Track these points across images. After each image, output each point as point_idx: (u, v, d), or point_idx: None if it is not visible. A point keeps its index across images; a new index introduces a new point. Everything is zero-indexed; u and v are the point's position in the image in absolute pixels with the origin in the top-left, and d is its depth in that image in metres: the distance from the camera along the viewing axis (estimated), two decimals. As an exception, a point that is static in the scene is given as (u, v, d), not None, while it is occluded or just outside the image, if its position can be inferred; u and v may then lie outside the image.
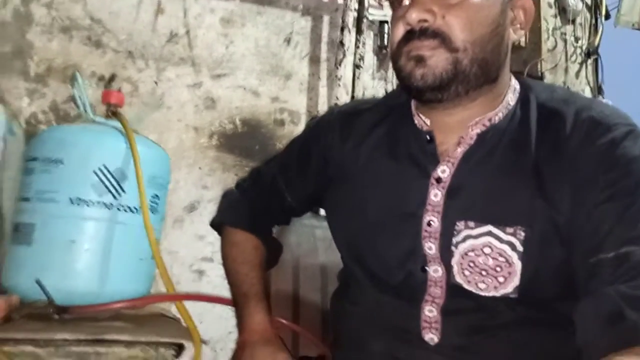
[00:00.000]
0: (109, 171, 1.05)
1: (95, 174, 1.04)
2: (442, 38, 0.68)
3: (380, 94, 1.79)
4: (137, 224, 1.08)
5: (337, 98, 1.62)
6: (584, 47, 2.01)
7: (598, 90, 2.00)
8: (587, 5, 2.02)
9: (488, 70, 0.71)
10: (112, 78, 1.40)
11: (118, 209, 1.06)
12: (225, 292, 1.44)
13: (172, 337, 0.96)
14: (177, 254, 1.51)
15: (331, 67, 1.73)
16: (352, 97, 1.64)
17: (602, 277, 0.61)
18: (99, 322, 0.98)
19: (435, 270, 0.74)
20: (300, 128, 1.69)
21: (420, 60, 0.69)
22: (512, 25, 0.73)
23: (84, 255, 1.02)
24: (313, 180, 0.90)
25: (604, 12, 2.02)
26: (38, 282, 0.96)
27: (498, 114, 0.74)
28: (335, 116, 0.90)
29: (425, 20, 0.68)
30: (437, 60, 0.68)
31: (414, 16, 0.68)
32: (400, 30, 0.71)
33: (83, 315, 0.97)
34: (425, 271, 0.74)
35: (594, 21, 2.02)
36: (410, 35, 0.69)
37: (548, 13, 1.94)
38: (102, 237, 1.04)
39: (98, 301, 0.99)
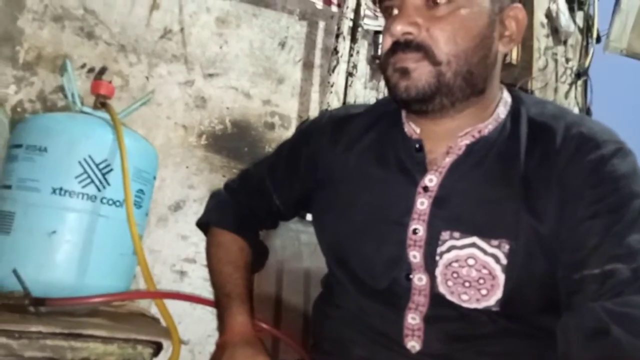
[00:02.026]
0: (94, 162, 1.03)
1: (80, 164, 1.02)
2: (425, 51, 0.68)
3: (372, 102, 1.79)
4: (120, 218, 1.06)
5: (329, 104, 1.62)
6: (574, 68, 2.04)
7: (586, 111, 2.03)
8: (579, 27, 2.06)
9: (474, 83, 0.71)
10: (103, 71, 1.38)
11: (101, 201, 1.04)
12: (206, 294, 1.42)
13: (150, 336, 0.94)
14: (159, 253, 1.49)
15: (324, 73, 1.73)
16: (344, 104, 1.65)
17: (587, 293, 0.61)
18: (76, 316, 0.96)
19: (419, 279, 0.73)
20: (290, 132, 1.69)
21: (404, 72, 0.69)
22: (502, 37, 0.73)
23: (63, 247, 1.00)
24: (301, 183, 0.89)
25: (595, 35, 2.05)
26: (15, 273, 0.94)
27: (488, 126, 0.74)
28: (326, 120, 0.90)
29: (410, 33, 0.69)
30: (421, 73, 0.68)
31: (398, 29, 0.69)
32: (387, 42, 0.71)
33: (60, 309, 0.95)
34: (409, 279, 0.74)
35: (585, 43, 2.05)
36: (396, 46, 0.70)
37: (540, 33, 1.97)
38: (84, 230, 1.02)
39: (76, 295, 0.97)
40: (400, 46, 0.69)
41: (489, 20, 0.70)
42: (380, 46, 1.74)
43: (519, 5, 0.74)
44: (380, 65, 0.75)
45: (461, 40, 0.68)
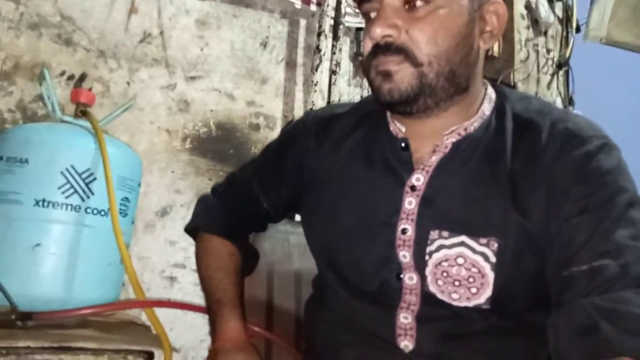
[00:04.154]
0: (77, 172, 1.02)
1: (63, 174, 1.01)
2: (406, 53, 0.68)
3: (356, 100, 1.79)
4: (105, 228, 1.05)
5: (313, 103, 1.61)
6: (555, 59, 2.05)
7: (569, 101, 2.05)
8: (558, 18, 2.07)
9: (457, 82, 0.71)
10: (83, 77, 1.36)
11: (86, 211, 1.02)
12: (197, 299, 1.42)
13: (141, 345, 0.93)
14: (148, 260, 1.47)
15: (307, 72, 1.72)
16: (328, 102, 1.64)
17: (576, 290, 0.61)
18: (64, 329, 0.95)
19: (410, 278, 0.73)
20: (275, 133, 1.68)
21: (386, 75, 0.69)
22: (482, 33, 0.72)
23: (49, 260, 0.99)
24: (288, 184, 0.89)
25: (574, 26, 2.07)
26: (0, 287, 0.92)
27: (473, 124, 0.74)
28: (311, 120, 0.89)
29: (390, 36, 0.68)
30: (403, 75, 0.68)
31: (378, 32, 0.68)
32: (368, 45, 0.71)
33: (48, 322, 0.94)
34: (400, 279, 0.74)
35: (565, 33, 2.07)
36: (377, 49, 0.69)
37: (521, 25, 1.98)
38: (69, 241, 1.00)
39: (64, 307, 0.95)
40: (381, 49, 0.69)
41: (468, 18, 0.70)
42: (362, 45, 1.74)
43: (499, 0, 0.74)
44: (362, 67, 0.75)
45: (441, 41, 0.68)
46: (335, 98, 1.65)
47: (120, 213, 1.07)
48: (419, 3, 0.68)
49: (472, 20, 0.70)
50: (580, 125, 0.70)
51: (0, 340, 0.84)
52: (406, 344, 0.74)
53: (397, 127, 0.77)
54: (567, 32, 2.06)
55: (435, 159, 0.74)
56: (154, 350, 0.94)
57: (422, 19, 0.68)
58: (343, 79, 1.75)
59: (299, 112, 1.72)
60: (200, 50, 1.60)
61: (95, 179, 1.04)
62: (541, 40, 2.03)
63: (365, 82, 1.81)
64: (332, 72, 1.65)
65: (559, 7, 2.07)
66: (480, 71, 0.75)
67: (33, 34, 1.39)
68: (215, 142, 1.60)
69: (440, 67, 0.68)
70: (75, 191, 1.02)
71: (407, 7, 0.68)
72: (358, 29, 1.80)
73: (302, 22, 1.78)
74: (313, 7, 1.71)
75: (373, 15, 0.71)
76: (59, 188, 1.00)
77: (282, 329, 1.02)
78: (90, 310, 0.98)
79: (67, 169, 1.01)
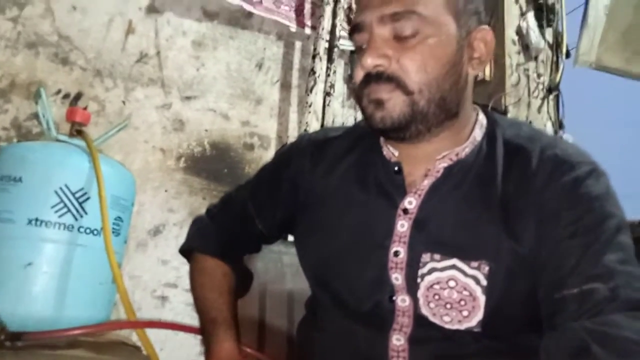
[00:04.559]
0: (70, 191, 1.02)
1: (57, 193, 1.01)
2: (397, 82, 0.69)
3: (350, 121, 1.81)
4: (98, 247, 1.04)
5: (307, 124, 1.63)
6: (545, 84, 2.09)
7: (559, 125, 2.08)
8: (549, 43, 2.11)
9: (447, 108, 0.72)
10: (79, 96, 1.37)
11: (79, 230, 1.02)
12: (188, 319, 1.41)
13: (131, 366, 0.92)
14: (139, 279, 1.47)
15: (302, 93, 1.74)
16: (322, 123, 1.66)
17: (567, 313, 0.62)
18: (54, 349, 0.94)
19: (402, 300, 0.74)
20: (270, 153, 1.69)
21: (379, 103, 0.70)
22: (471, 60, 0.74)
23: (40, 279, 0.98)
24: (283, 206, 0.89)
25: (564, 51, 2.11)
26: (-11, 307, 0.92)
27: (465, 149, 0.75)
28: (305, 143, 0.90)
29: (381, 65, 0.70)
30: (395, 104, 0.70)
31: (369, 61, 0.70)
32: (359, 74, 0.72)
33: (38, 342, 0.92)
34: (393, 301, 0.74)
35: (555, 58, 2.10)
36: (369, 78, 0.71)
37: (512, 50, 2.02)
38: (61, 260, 1.00)
39: (54, 327, 0.94)
40: (373, 78, 0.70)
41: (457, 46, 0.71)
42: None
43: (486, 27, 0.75)
44: (354, 95, 0.76)
45: (431, 69, 0.69)
46: (329, 119, 1.67)
47: (113, 232, 1.07)
48: (408, 33, 0.69)
49: (460, 48, 0.72)
50: (568, 152, 0.72)
51: (-11, 361, 0.83)
52: (398, 366, 0.74)
53: (390, 151, 0.78)
54: (558, 57, 2.10)
55: (427, 182, 0.75)
56: (145, 371, 0.93)
57: (412, 49, 0.69)
58: (337, 100, 1.77)
59: (293, 133, 1.73)
60: (196, 71, 1.62)
61: (88, 198, 1.04)
62: (532, 65, 2.07)
63: (359, 104, 1.83)
64: (327, 94, 1.67)
65: (549, 32, 2.12)
66: (470, 96, 0.77)
67: (30, 52, 1.40)
68: (209, 162, 1.61)
69: (430, 94, 0.70)
70: (69, 210, 1.01)
71: (396, 37, 0.70)
72: (352, 52, 1.83)
73: (298, 44, 1.80)
74: (308, 30, 1.74)
75: (364, 46, 0.73)
76: (53, 207, 1.00)
77: (274, 349, 1.02)
78: (81, 331, 0.97)
79: (60, 188, 1.01)
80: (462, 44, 0.72)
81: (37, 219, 0.99)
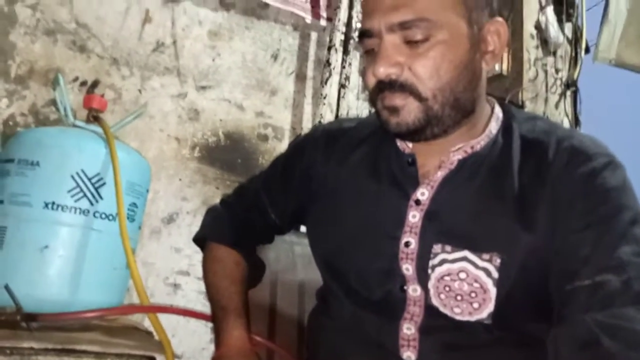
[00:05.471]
0: (86, 176, 1.03)
1: (73, 178, 1.02)
2: (410, 89, 0.69)
3: (364, 114, 1.80)
4: (112, 232, 1.06)
5: (322, 116, 1.62)
6: (563, 79, 2.06)
7: (575, 121, 2.05)
8: (568, 38, 2.08)
9: (462, 108, 0.72)
10: (95, 84, 1.38)
11: (94, 215, 1.04)
12: (200, 307, 1.42)
13: (144, 350, 0.93)
14: (152, 266, 1.48)
15: (317, 85, 1.74)
16: (337, 115, 1.65)
17: (578, 304, 0.62)
18: (68, 332, 0.95)
19: (414, 290, 0.74)
20: (284, 144, 1.69)
21: (393, 110, 0.70)
22: (485, 55, 0.73)
23: (56, 262, 0.99)
24: (296, 196, 0.89)
25: (584, 46, 2.08)
26: (7, 288, 0.93)
27: (480, 142, 0.75)
28: (319, 134, 0.90)
29: (393, 74, 0.69)
30: (409, 110, 0.69)
31: (382, 71, 0.69)
32: (372, 80, 0.71)
33: (52, 324, 0.94)
34: (404, 290, 0.74)
35: (574, 54, 2.07)
36: (382, 85, 0.70)
37: (530, 44, 1.99)
38: (76, 244, 1.01)
39: (68, 310, 0.96)
40: (386, 85, 0.70)
41: (469, 44, 0.70)
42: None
43: (500, 19, 0.74)
44: (369, 98, 0.76)
45: (444, 73, 0.68)
46: (343, 111, 1.66)
47: (128, 218, 1.08)
48: (419, 38, 0.68)
49: (473, 46, 0.71)
50: (585, 143, 0.71)
51: (5, 340, 0.84)
52: (409, 354, 0.74)
53: (405, 143, 0.78)
54: (576, 53, 2.07)
55: (440, 174, 0.75)
56: (156, 356, 0.94)
57: (423, 54, 0.68)
58: (352, 92, 1.77)
59: (307, 125, 1.73)
60: (211, 61, 1.62)
61: (104, 183, 1.05)
62: (550, 60, 2.04)
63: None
64: (341, 86, 1.67)
65: (568, 27, 2.08)
66: (484, 90, 0.76)
67: (48, 39, 1.41)
68: (223, 152, 1.61)
69: (444, 98, 0.69)
70: (85, 195, 1.03)
71: (407, 42, 0.69)
72: (368, 44, 1.81)
73: (313, 36, 1.80)
74: (323, 22, 1.73)
75: (375, 49, 0.71)
76: (69, 191, 1.02)
77: (284, 338, 1.02)
78: (94, 314, 0.98)
79: (77, 173, 1.02)
80: (475, 40, 0.71)
81: (53, 203, 1.00)
